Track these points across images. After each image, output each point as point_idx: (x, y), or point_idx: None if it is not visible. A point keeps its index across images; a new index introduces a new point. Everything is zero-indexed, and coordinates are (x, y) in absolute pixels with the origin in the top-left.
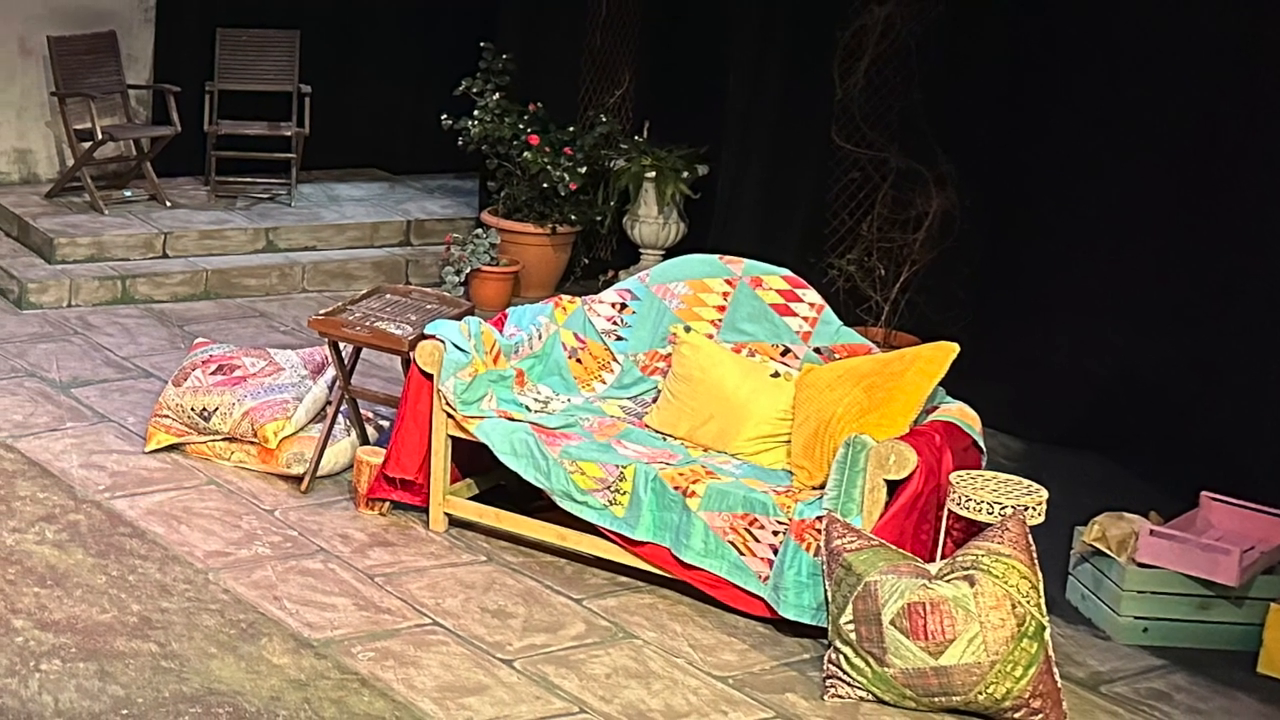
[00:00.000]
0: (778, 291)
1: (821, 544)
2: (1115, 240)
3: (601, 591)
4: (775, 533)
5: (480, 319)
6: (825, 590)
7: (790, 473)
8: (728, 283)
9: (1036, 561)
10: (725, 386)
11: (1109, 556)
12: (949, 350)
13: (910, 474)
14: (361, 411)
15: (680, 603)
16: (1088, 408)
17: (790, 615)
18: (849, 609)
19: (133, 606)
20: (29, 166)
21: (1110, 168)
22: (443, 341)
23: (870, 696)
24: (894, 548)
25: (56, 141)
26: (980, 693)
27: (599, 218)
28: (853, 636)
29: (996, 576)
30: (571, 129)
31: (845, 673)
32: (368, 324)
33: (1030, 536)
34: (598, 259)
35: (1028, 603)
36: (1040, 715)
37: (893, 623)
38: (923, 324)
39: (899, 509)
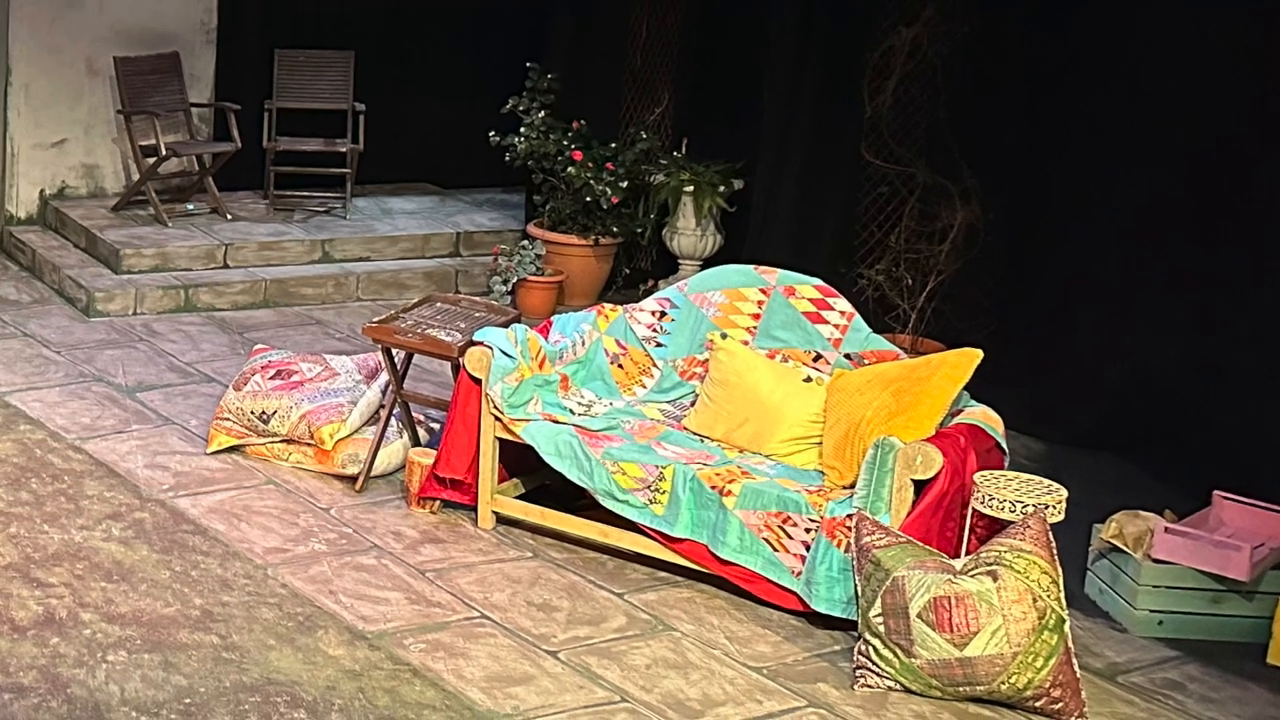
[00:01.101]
0: (810, 300)
1: (852, 541)
2: (1130, 251)
3: (642, 586)
4: (808, 530)
5: (526, 326)
6: (855, 585)
7: (822, 473)
8: (762, 292)
9: (1056, 557)
10: (760, 391)
11: (1126, 553)
12: (973, 356)
13: (936, 474)
14: (413, 414)
15: (717, 597)
16: (1105, 411)
17: (822, 609)
18: (878, 603)
19: (195, 600)
20: (96, 181)
21: (1126, 182)
22: (491, 348)
23: (898, 686)
24: (921, 544)
25: (122, 157)
26: (1003, 682)
27: (639, 230)
28: (881, 629)
29: (1018, 572)
30: (613, 145)
31: (874, 663)
32: (419, 331)
33: (1050, 534)
34: (638, 269)
35: (1048, 597)
36: (1060, 704)
37: (920, 616)
38: (948, 331)
39: (925, 507)
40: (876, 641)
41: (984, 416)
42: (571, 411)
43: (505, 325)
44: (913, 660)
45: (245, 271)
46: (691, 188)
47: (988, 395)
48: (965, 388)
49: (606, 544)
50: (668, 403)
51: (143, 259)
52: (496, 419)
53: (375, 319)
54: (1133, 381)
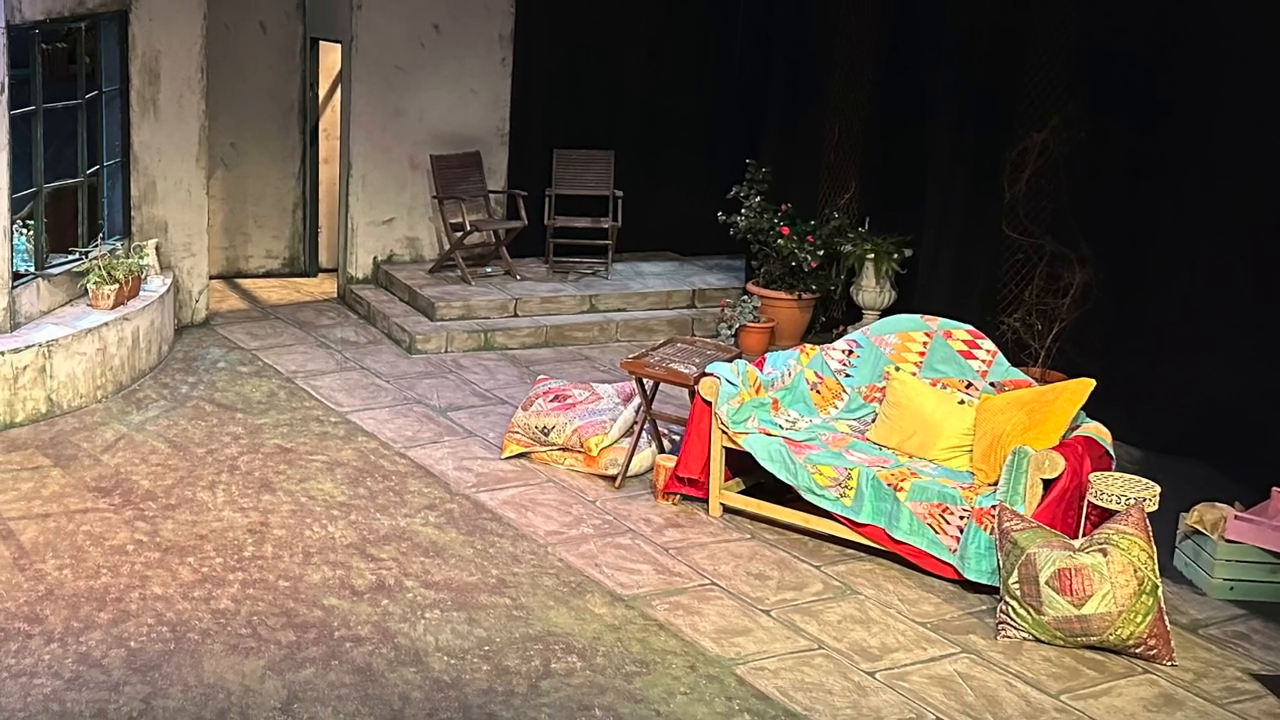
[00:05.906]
0: (963, 341)
1: (995, 525)
2: (1208, 303)
3: (834, 560)
4: (961, 517)
5: (746, 361)
6: (998, 559)
7: (972, 474)
8: (926, 335)
9: (1152, 538)
10: (925, 411)
11: (1205, 534)
12: (1088, 384)
13: (1060, 474)
14: (659, 429)
15: (892, 568)
16: (1189, 426)
17: (972, 577)
18: (1015, 573)
19: (492, 571)
20: (416, 250)
21: (1206, 251)
22: (719, 378)
23: (1031, 637)
24: (1048, 529)
25: (436, 232)
26: (1111, 634)
27: (832, 287)
28: (1018, 593)
29: (1123, 549)
30: (813, 223)
31: (1012, 619)
32: (664, 365)
33: (1148, 520)
34: (832, 317)
35: (1146, 568)
36: (1154, 650)
37: (1047, 583)
38: (1069, 365)
39: (1051, 500)
40: (1014, 603)
41: (1096, 430)
42: (780, 427)
43: (730, 360)
44: (1042, 617)
45: (530, 319)
46: (873, 255)
47: (1099, 414)
48: (1082, 408)
49: (807, 528)
50: (854, 420)
51: (452, 309)
52: (723, 432)
53: (630, 356)
54: (1211, 403)
